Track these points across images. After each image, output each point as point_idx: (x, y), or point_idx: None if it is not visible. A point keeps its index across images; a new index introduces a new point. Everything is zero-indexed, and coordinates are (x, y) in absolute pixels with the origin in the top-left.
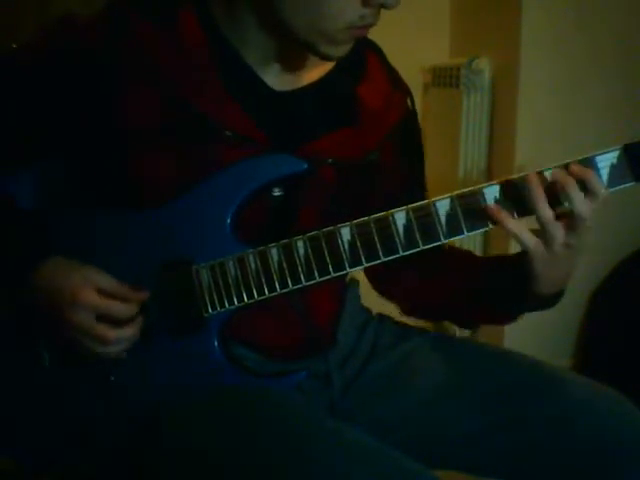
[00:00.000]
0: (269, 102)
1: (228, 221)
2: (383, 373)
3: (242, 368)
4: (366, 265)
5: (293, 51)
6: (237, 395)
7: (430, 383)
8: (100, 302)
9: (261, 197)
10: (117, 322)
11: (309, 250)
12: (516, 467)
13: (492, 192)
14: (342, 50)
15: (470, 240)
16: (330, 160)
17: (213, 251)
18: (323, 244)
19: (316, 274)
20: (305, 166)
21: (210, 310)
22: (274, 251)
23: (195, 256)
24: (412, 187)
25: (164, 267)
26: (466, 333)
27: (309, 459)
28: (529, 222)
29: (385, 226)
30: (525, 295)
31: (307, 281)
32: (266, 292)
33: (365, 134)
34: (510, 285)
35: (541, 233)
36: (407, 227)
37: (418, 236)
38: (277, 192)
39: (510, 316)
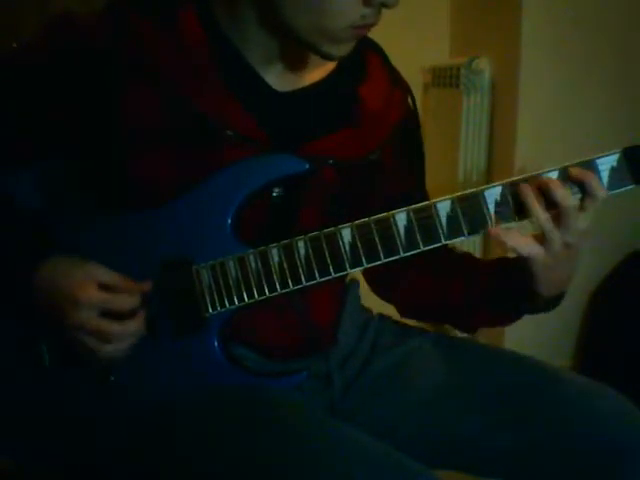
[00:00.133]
0: (270, 102)
1: (229, 221)
2: (383, 373)
3: (242, 368)
4: (367, 266)
5: (294, 51)
6: (237, 395)
7: (430, 383)
8: (102, 297)
9: (262, 197)
10: (120, 317)
11: (310, 250)
12: (516, 467)
13: (493, 194)
14: (343, 49)
15: (470, 240)
16: (331, 160)
17: (213, 251)
18: (324, 244)
19: (317, 274)
20: (307, 166)
21: (210, 310)
22: (275, 251)
23: (195, 256)
24: (413, 187)
25: (164, 267)
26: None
27: (309, 459)
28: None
29: (386, 227)
30: (526, 298)
31: (308, 281)
32: (266, 292)
33: (366, 134)
34: (511, 288)
35: (540, 236)
36: (408, 228)
37: (419, 237)
38: (278, 192)
39: (510, 319)
